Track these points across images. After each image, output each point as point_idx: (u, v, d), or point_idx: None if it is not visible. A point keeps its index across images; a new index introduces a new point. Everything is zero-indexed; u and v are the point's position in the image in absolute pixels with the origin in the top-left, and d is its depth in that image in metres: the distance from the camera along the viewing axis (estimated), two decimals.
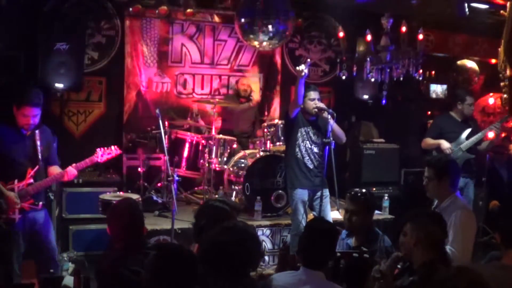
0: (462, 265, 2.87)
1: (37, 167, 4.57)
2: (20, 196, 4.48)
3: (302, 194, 5.46)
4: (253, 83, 8.04)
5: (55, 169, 4.78)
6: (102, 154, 4.79)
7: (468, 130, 6.32)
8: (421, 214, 3.23)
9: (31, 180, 4.54)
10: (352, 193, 4.18)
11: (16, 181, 4.50)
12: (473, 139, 6.26)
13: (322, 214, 5.37)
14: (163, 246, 3.06)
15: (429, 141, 6.46)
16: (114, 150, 4.86)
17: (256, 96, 8.02)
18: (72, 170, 4.66)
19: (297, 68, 5.24)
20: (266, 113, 7.76)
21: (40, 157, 4.60)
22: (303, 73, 5.16)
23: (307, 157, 5.48)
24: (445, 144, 6.28)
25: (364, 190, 4.24)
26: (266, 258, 6.11)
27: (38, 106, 4.55)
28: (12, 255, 4.53)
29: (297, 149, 5.48)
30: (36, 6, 6.43)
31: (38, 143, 4.60)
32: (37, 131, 4.61)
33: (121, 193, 6.06)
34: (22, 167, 4.54)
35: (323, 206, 5.42)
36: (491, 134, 6.28)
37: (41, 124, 4.68)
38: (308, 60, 5.30)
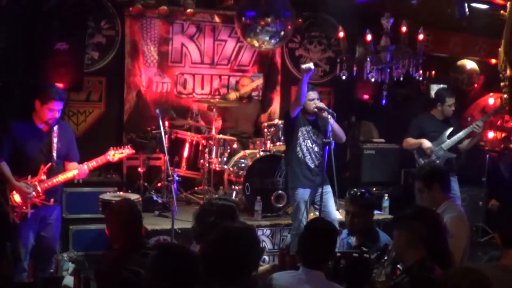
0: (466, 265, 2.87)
1: (49, 164, 4.59)
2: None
3: (303, 193, 5.46)
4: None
5: (73, 166, 4.79)
6: (114, 154, 4.81)
7: (450, 129, 6.32)
8: (405, 214, 3.20)
9: (44, 177, 4.57)
10: (352, 194, 4.19)
11: (29, 177, 4.54)
12: (455, 138, 6.27)
13: (325, 209, 5.36)
14: (164, 246, 3.06)
15: (410, 140, 6.44)
16: (127, 150, 4.88)
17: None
18: (83, 169, 4.70)
19: (304, 66, 5.18)
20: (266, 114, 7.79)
21: (54, 154, 4.62)
22: (309, 71, 5.13)
23: (309, 156, 5.48)
24: (426, 144, 6.28)
25: (363, 190, 4.24)
26: (266, 258, 6.11)
27: (63, 101, 4.64)
28: (20, 251, 4.54)
29: (298, 149, 5.48)
30: (36, 6, 6.43)
31: (55, 140, 4.63)
32: (55, 128, 4.65)
33: (121, 193, 6.05)
34: (36, 163, 4.59)
35: (326, 201, 5.40)
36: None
37: (60, 120, 4.72)
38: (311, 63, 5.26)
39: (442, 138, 6.31)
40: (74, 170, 4.70)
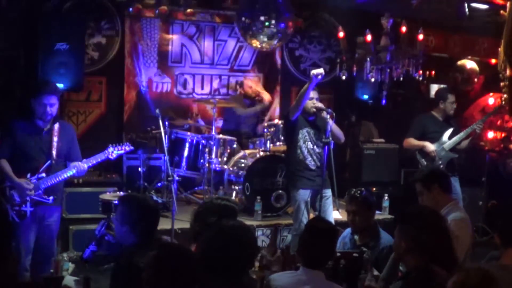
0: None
1: (48, 162, 4.59)
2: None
3: (304, 194, 5.45)
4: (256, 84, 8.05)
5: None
6: (113, 151, 4.81)
7: (450, 130, 6.35)
8: (406, 218, 3.02)
9: (43, 175, 4.57)
10: (350, 193, 4.20)
11: (28, 175, 4.54)
12: (456, 138, 6.30)
13: (323, 214, 5.36)
14: (164, 246, 3.06)
15: (412, 141, 6.45)
16: (126, 147, 4.89)
17: (266, 96, 8.01)
18: (81, 166, 4.69)
19: (315, 71, 5.10)
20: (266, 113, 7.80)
21: (54, 152, 4.62)
22: (319, 76, 5.07)
23: (310, 158, 5.46)
24: (429, 147, 6.30)
25: (361, 189, 4.26)
26: None
27: (55, 94, 4.60)
28: (21, 250, 4.54)
29: (298, 151, 5.47)
30: (36, 6, 6.43)
31: (55, 138, 4.63)
32: (56, 126, 4.64)
33: (121, 193, 6.05)
34: (35, 161, 4.59)
35: (325, 207, 5.41)
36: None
37: (58, 118, 4.73)
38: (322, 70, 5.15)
39: (443, 138, 6.33)
40: (72, 168, 4.68)
